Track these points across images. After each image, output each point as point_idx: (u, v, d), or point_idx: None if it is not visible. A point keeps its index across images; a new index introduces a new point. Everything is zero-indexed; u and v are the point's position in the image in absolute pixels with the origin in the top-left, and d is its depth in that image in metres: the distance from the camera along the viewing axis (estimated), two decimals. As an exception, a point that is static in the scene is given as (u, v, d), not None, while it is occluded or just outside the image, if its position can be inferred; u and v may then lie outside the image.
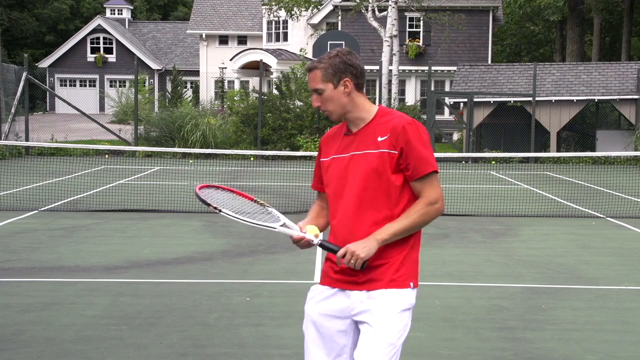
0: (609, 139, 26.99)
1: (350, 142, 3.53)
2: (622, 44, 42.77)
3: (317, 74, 3.48)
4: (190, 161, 23.99)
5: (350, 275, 3.48)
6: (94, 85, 52.16)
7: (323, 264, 3.67)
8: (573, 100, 26.56)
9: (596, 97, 26.70)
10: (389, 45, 29.35)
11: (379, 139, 3.43)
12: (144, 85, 42.56)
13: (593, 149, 26.83)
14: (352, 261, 3.35)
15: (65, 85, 52.25)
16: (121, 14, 55.40)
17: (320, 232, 3.64)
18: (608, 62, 30.36)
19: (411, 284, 3.47)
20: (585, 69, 27.83)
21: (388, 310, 3.41)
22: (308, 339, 3.66)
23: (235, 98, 32.24)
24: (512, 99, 26.62)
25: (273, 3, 32.19)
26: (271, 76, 36.10)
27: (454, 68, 33.87)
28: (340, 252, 3.39)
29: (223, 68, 42.17)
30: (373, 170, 3.42)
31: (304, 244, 3.52)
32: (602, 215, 13.77)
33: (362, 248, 3.34)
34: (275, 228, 3.56)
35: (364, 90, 3.57)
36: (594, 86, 26.92)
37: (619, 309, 7.55)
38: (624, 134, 27.21)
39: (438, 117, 28.34)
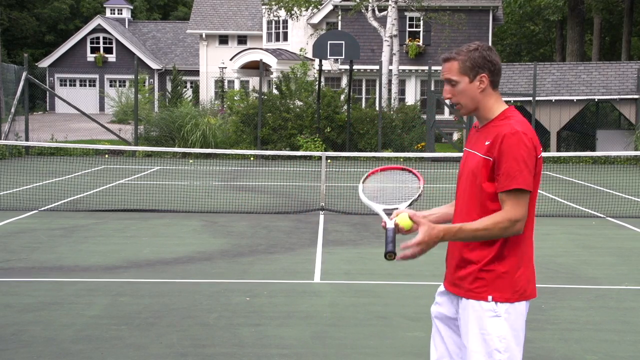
0: (609, 138, 26.98)
1: (473, 137, 3.51)
2: (622, 43, 42.76)
3: (453, 65, 3.39)
4: (190, 161, 23.98)
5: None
6: (94, 85, 52.15)
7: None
8: (573, 100, 26.56)
9: (596, 97, 26.69)
10: (389, 45, 29.34)
11: (486, 142, 3.35)
12: (144, 85, 42.55)
13: (593, 149, 26.82)
14: (409, 251, 3.25)
15: (65, 85, 52.25)
16: (121, 13, 55.40)
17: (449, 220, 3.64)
18: (608, 61, 30.33)
19: (489, 297, 3.35)
20: (585, 68, 27.82)
21: (464, 322, 3.45)
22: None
23: (235, 98, 32.23)
24: (512, 99, 26.59)
25: (273, 3, 32.17)
26: (271, 76, 36.11)
27: (454, 68, 33.84)
28: (414, 242, 3.25)
29: (223, 68, 42.16)
30: (471, 172, 3.39)
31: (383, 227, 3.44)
32: (602, 215, 13.77)
33: (429, 235, 3.23)
34: (376, 212, 3.55)
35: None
36: (594, 86, 26.91)
37: (619, 309, 7.55)
38: (624, 133, 27.20)
39: (438, 117, 28.31)
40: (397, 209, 3.47)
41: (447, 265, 3.57)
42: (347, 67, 28.43)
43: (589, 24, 47.53)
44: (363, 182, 3.72)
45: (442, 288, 3.62)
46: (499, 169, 3.27)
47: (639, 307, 7.68)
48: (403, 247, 3.27)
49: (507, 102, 19.94)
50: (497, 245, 3.35)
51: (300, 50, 36.63)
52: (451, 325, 3.56)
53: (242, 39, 47.36)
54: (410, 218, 3.35)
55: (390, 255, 3.26)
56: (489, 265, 3.35)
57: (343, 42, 24.87)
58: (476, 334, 3.35)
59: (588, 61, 35.83)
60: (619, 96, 26.46)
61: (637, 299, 8.04)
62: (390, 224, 3.37)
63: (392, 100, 29.22)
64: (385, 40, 29.35)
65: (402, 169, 3.81)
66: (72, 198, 14.80)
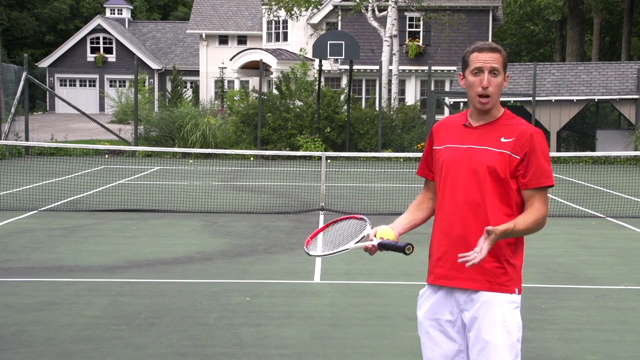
0: (609, 138, 26.98)
1: (468, 134, 3.50)
2: (622, 43, 42.74)
3: (500, 57, 3.45)
4: (190, 161, 23.98)
5: None
6: (94, 85, 52.13)
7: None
8: (573, 100, 26.56)
9: (596, 97, 26.68)
10: (388, 45, 29.34)
11: (503, 139, 3.41)
12: (144, 85, 42.53)
13: (593, 149, 26.81)
14: (473, 256, 3.25)
15: (65, 85, 52.23)
16: (121, 13, 55.38)
17: (420, 224, 3.69)
18: (608, 61, 30.33)
19: (516, 289, 3.48)
20: (585, 68, 27.81)
21: (486, 316, 3.52)
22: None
23: (235, 98, 32.23)
24: (512, 99, 26.60)
25: (273, 3, 32.17)
26: (271, 76, 36.10)
27: (454, 68, 33.88)
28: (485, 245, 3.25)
29: (223, 68, 42.14)
30: (489, 168, 3.40)
31: (372, 252, 3.56)
32: (602, 215, 13.77)
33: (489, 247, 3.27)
34: (348, 249, 3.59)
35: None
36: (594, 86, 26.91)
37: (619, 309, 7.55)
38: (624, 133, 27.19)
39: (438, 117, 28.26)
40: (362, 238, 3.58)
41: (447, 260, 3.48)
42: (347, 67, 28.44)
43: (589, 24, 47.51)
44: (307, 246, 3.71)
45: (429, 290, 3.57)
46: (529, 166, 3.38)
47: (638, 307, 7.68)
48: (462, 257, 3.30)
49: (507, 102, 20.03)
50: (515, 239, 3.46)
51: (300, 51, 36.62)
52: (448, 328, 3.50)
53: (242, 39, 47.35)
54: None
55: (408, 247, 3.38)
56: (512, 258, 3.45)
57: (343, 42, 24.87)
58: (501, 326, 3.38)
59: (588, 61, 35.83)
60: (618, 96, 26.46)
61: (637, 299, 8.04)
62: (376, 240, 3.50)
63: (392, 100, 29.21)
64: (385, 41, 29.35)
65: (339, 221, 3.81)
66: (72, 198, 14.80)
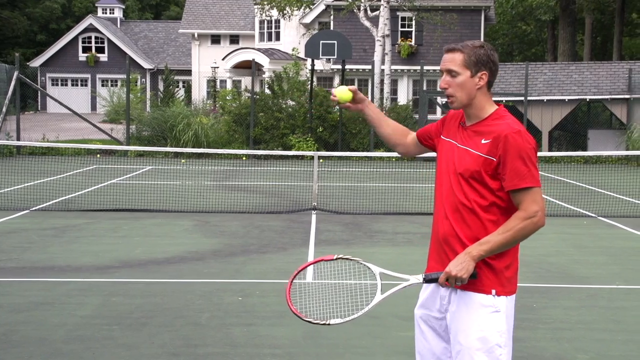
0: (601, 138, 27.06)
1: (460, 133, 3.51)
2: (614, 43, 42.90)
3: (457, 57, 3.40)
4: (183, 161, 23.95)
5: None
6: (86, 85, 52.03)
7: None
8: (565, 99, 26.63)
9: (588, 97, 26.77)
10: (381, 45, 29.35)
11: (482, 141, 3.38)
12: (136, 85, 42.42)
13: (584, 149, 26.88)
14: (457, 283, 3.34)
15: (57, 85, 52.11)
16: (113, 13, 55.28)
17: (380, 130, 3.87)
18: (599, 61, 30.42)
19: (493, 290, 3.43)
20: (577, 68, 27.89)
21: (459, 317, 3.54)
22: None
23: (227, 97, 32.20)
24: (504, 99, 26.63)
25: (265, 2, 32.14)
26: (263, 75, 36.08)
27: (446, 68, 33.85)
28: (442, 278, 3.36)
29: (215, 67, 42.11)
30: (466, 170, 3.39)
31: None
32: (593, 215, 13.81)
33: (461, 269, 3.30)
34: (381, 297, 3.63)
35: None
36: (585, 86, 26.99)
37: (610, 308, 7.57)
38: (616, 133, 27.28)
39: (430, 117, 28.31)
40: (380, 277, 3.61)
41: (438, 259, 3.53)
42: (340, 66, 28.43)
43: (581, 24, 47.65)
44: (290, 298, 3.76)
45: (425, 286, 3.62)
46: (504, 168, 3.33)
47: (630, 306, 7.70)
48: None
49: (499, 101, 20.05)
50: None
51: (293, 50, 36.61)
52: (436, 326, 3.55)
53: (234, 39, 47.33)
54: (353, 92, 3.72)
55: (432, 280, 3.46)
56: (490, 259, 3.40)
57: (335, 41, 24.88)
58: (475, 330, 3.36)
59: (579, 61, 35.93)
60: (610, 96, 26.55)
61: (628, 298, 8.06)
62: (420, 277, 3.51)
63: (385, 100, 29.22)
64: (378, 40, 29.37)
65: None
66: (63, 198, 14.76)
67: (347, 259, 3.59)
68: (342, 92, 3.69)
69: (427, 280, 3.45)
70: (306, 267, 3.68)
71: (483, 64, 3.40)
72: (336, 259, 3.59)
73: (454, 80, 3.41)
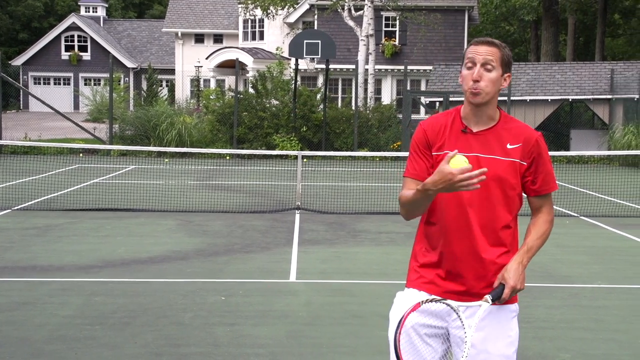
0: (583, 138, 27.21)
1: (471, 141, 3.29)
2: (596, 44, 43.14)
3: (497, 52, 3.28)
4: (166, 160, 23.87)
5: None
6: (69, 84, 51.77)
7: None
8: (547, 99, 26.75)
9: (570, 97, 26.90)
10: (365, 45, 29.39)
11: (509, 146, 3.27)
12: (119, 84, 42.27)
13: (567, 148, 27.02)
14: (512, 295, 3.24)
15: (39, 84, 51.81)
16: (96, 11, 55.02)
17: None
18: (582, 62, 30.57)
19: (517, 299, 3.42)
20: (560, 68, 28.03)
21: (492, 328, 3.42)
22: None
23: (211, 97, 32.12)
24: (487, 99, 26.68)
25: (249, 2, 32.12)
26: (247, 75, 36.04)
27: (430, 67, 33.97)
28: (507, 294, 3.20)
29: (199, 67, 42.01)
30: (498, 178, 3.24)
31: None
32: (575, 214, 13.88)
33: (522, 281, 3.22)
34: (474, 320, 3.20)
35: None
36: (568, 86, 27.12)
37: (592, 307, 7.62)
38: (598, 133, 27.44)
39: (414, 117, 28.37)
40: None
41: (452, 275, 3.31)
42: (324, 66, 28.43)
43: (564, 25, 47.88)
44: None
45: (431, 305, 3.16)
46: (537, 172, 3.29)
47: (611, 305, 7.75)
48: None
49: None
50: (515, 250, 3.35)
51: (277, 49, 36.59)
52: (435, 334, 3.33)
53: (218, 38, 47.25)
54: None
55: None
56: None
57: (319, 41, 24.87)
58: (505, 337, 3.31)
59: (562, 61, 36.12)
60: (592, 96, 26.69)
61: (610, 297, 8.11)
62: (489, 298, 3.18)
63: (368, 100, 29.26)
64: (362, 40, 29.40)
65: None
66: (45, 197, 14.68)
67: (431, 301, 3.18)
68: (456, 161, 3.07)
69: (495, 300, 3.22)
70: (405, 318, 3.14)
71: (509, 67, 3.34)
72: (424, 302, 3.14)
73: (488, 74, 3.27)
